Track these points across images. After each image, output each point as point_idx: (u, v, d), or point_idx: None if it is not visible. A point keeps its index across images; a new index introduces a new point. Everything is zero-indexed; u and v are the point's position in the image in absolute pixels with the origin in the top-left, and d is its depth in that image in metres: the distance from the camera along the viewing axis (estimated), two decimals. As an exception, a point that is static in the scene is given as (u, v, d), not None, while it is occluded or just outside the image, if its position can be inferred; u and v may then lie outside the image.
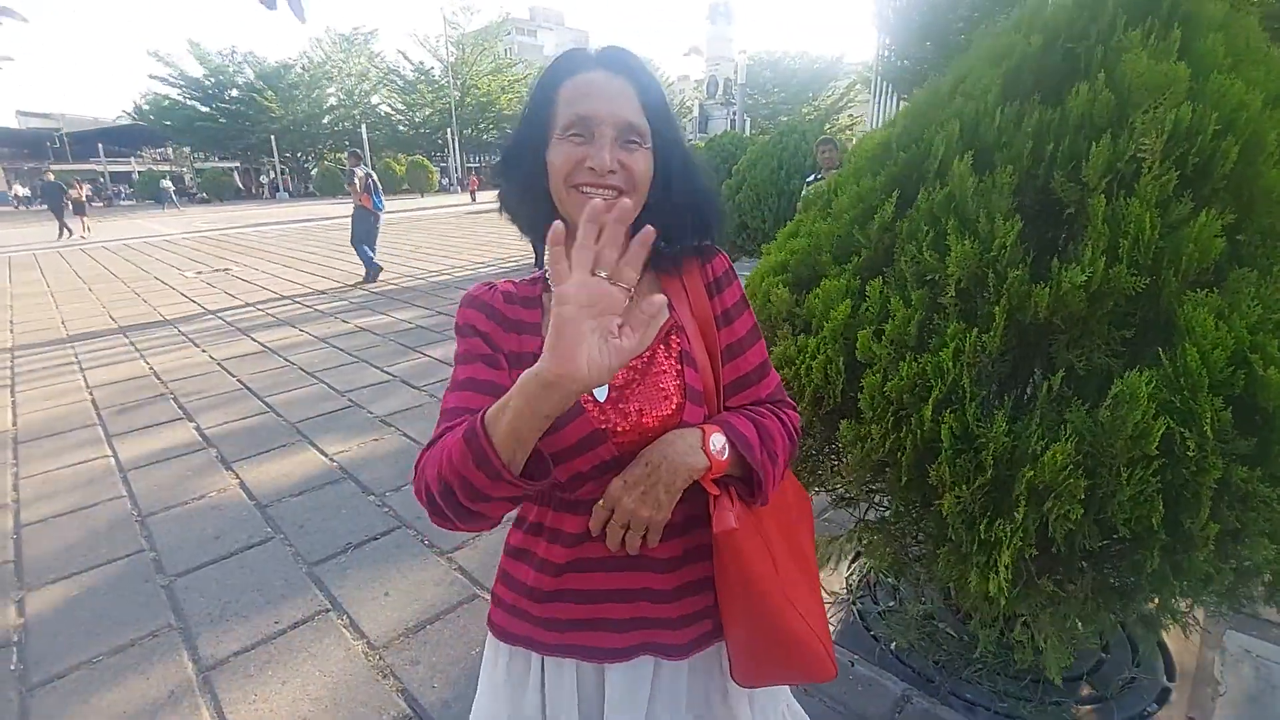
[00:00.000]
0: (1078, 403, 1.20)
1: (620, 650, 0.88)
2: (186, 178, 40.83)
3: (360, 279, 9.37)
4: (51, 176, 18.81)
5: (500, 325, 0.86)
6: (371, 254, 9.14)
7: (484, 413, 0.68)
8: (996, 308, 1.23)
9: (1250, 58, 1.37)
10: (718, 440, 0.80)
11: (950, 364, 1.22)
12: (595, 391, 0.82)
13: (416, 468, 0.77)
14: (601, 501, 0.80)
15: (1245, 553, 1.16)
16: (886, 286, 1.40)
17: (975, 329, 1.24)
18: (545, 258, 0.86)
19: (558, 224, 0.63)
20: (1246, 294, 1.21)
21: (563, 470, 0.82)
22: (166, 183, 32.66)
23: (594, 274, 0.61)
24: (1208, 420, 1.13)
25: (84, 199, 19.31)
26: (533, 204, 0.84)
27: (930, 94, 1.68)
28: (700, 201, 0.88)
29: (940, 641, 2.02)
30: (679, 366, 0.85)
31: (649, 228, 0.60)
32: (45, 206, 17.70)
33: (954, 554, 1.26)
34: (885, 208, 1.49)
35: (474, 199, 29.43)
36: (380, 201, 8.85)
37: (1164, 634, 1.88)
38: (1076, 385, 1.27)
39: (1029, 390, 1.41)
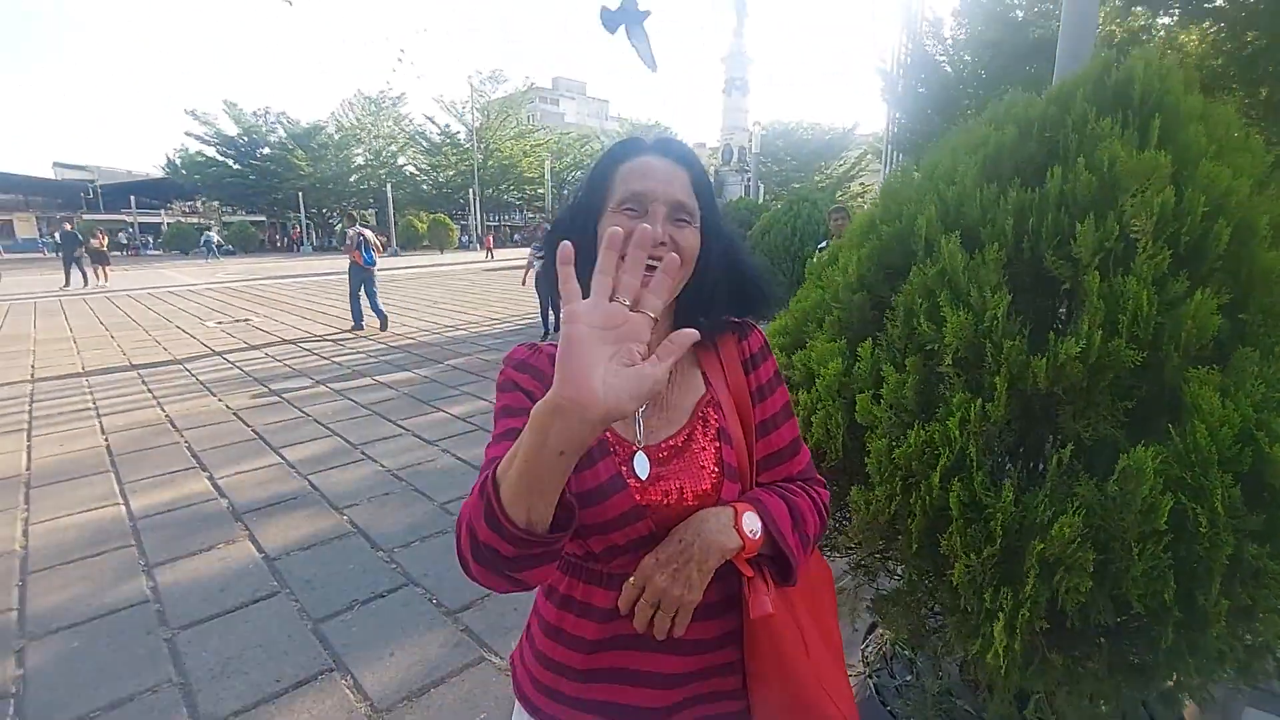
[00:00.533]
0: (1086, 476, 1.21)
1: None
2: (214, 230, 42.28)
3: (376, 327, 9.98)
4: (69, 226, 18.57)
5: (543, 385, 0.87)
6: (371, 304, 9.94)
7: (495, 465, 0.65)
8: (998, 378, 1.26)
9: (1231, 145, 1.44)
10: (750, 519, 0.80)
11: (956, 432, 1.24)
12: (638, 469, 0.83)
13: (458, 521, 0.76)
14: (633, 579, 0.79)
15: (1258, 627, 1.15)
16: (878, 349, 1.45)
17: (980, 399, 1.27)
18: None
19: (566, 243, 0.59)
20: (1250, 373, 1.24)
21: (599, 541, 0.82)
22: (213, 234, 33.41)
23: (613, 300, 0.58)
24: (1219, 497, 1.14)
25: (104, 248, 19.10)
26: (581, 275, 0.87)
27: (903, 178, 1.78)
28: (743, 278, 0.91)
29: (958, 719, 1.96)
30: (717, 444, 0.86)
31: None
32: (83, 254, 17.60)
33: (964, 624, 1.25)
34: (848, 267, 1.56)
35: (491, 256, 30.15)
36: (370, 256, 9.68)
37: (1184, 712, 1.82)
38: (1086, 457, 1.29)
39: (1040, 463, 1.42)
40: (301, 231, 40.45)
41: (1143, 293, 1.24)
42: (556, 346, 0.90)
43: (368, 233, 9.82)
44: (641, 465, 0.83)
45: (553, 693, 0.89)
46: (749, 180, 18.32)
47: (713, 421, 0.87)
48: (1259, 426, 1.17)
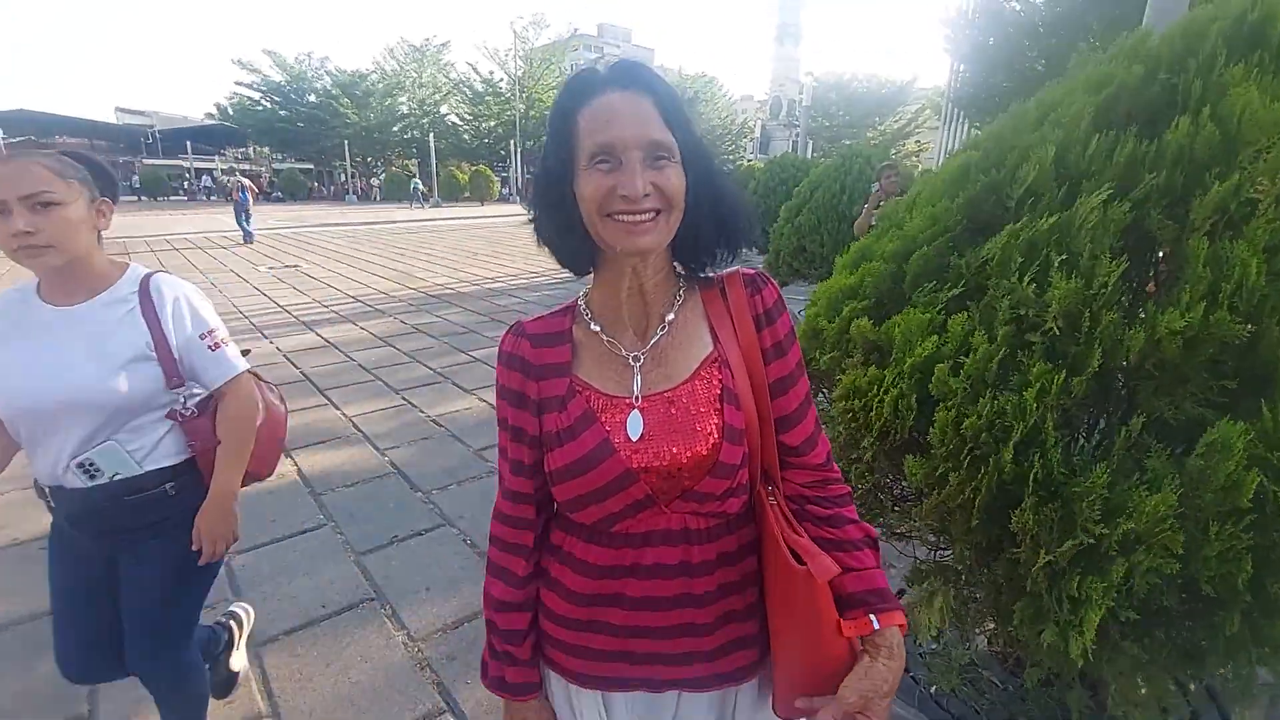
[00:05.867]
0: (1161, 449, 1.13)
1: (658, 681, 0.87)
2: (265, 176, 42.95)
3: (242, 241, 14.84)
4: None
5: (530, 377, 0.85)
6: (246, 227, 14.96)
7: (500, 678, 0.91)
8: (1092, 350, 1.17)
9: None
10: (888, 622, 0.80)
11: (1033, 405, 1.16)
12: (629, 429, 0.80)
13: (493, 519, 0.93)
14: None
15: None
16: (970, 319, 1.34)
17: (1065, 370, 1.18)
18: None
19: None
20: (1361, 350, 1.13)
21: (594, 511, 0.81)
22: (418, 182, 32.90)
23: None
24: (1308, 480, 1.06)
25: None
26: (567, 236, 0.80)
27: (1016, 119, 1.62)
28: (727, 208, 0.83)
29: (984, 690, 1.93)
30: (719, 405, 0.81)
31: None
32: (139, 197, 17.49)
33: (1031, 607, 1.19)
34: (992, 242, 1.43)
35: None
36: (245, 197, 14.83)
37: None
38: (1159, 432, 1.20)
39: (1097, 436, 1.34)
40: (348, 179, 40.68)
41: (1252, 260, 1.13)
42: (542, 320, 0.88)
43: (245, 180, 15.05)
44: (635, 425, 0.80)
45: (545, 636, 0.91)
46: (797, 135, 17.64)
47: (716, 381, 0.82)
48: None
